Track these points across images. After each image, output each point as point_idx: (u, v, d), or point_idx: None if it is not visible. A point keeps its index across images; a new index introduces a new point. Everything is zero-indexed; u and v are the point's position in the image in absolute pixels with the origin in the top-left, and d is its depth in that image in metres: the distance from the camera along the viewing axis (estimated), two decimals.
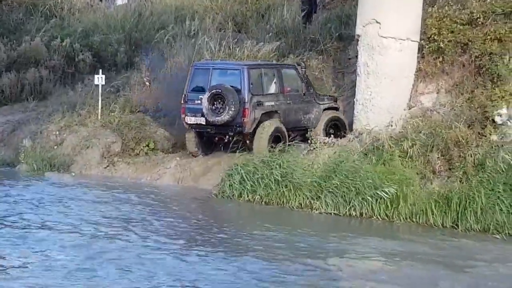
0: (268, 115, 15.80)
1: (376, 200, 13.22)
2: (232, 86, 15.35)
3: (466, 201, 12.55)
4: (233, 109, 15.13)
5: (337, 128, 16.63)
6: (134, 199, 14.32)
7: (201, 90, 15.69)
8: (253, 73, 15.76)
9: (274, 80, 16.14)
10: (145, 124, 17.80)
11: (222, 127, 15.54)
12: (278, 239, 11.66)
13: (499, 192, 12.59)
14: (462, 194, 12.67)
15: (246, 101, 15.34)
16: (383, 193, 13.11)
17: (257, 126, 15.52)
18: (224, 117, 15.22)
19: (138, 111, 18.30)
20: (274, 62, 18.00)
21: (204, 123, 15.62)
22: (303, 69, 17.01)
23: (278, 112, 15.96)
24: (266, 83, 16.05)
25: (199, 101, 15.47)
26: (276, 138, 15.53)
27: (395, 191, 13.10)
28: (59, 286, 8.88)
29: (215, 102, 15.33)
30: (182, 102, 15.87)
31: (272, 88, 16.12)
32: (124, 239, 11.21)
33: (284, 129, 15.82)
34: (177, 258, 10.30)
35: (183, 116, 15.87)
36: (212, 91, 15.30)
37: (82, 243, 10.86)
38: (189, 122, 15.78)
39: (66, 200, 13.94)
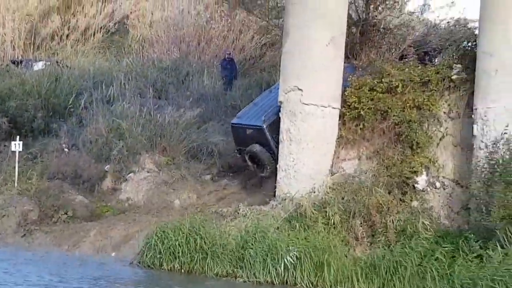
0: None
1: (299, 267, 13.12)
2: None
3: (394, 267, 12.61)
4: None
5: None
6: (48, 270, 13.84)
7: None
8: None
9: None
10: (64, 191, 17.36)
11: None
12: None
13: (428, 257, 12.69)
14: (389, 260, 12.72)
15: None
16: (290, 260, 13.02)
17: None
18: None
19: (56, 178, 17.87)
20: None
21: None
22: None
23: None
24: None
25: None
26: None
27: (318, 259, 13.06)
28: None
29: None
30: None
31: None
32: None
33: None
34: None
35: None
36: None
37: None
38: None
39: None
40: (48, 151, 19.30)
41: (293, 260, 13.02)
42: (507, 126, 13.44)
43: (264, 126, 16.21)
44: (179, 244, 13.98)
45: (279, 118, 15.80)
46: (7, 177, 17.72)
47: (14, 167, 17.69)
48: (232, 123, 17.47)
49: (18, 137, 18.36)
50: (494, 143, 13.42)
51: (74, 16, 31.92)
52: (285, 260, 13.03)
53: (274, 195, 15.50)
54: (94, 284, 12.90)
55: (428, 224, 13.67)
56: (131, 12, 32.44)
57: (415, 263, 12.68)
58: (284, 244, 13.20)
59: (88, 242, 15.71)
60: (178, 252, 13.95)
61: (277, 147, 15.82)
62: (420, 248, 12.90)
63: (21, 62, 26.89)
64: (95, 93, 21.73)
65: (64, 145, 19.33)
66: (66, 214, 16.78)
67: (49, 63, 26.07)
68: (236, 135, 17.24)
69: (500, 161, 13.14)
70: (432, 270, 12.59)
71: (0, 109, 21.38)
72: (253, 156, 16.55)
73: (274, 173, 15.88)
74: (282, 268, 13.11)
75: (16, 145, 17.85)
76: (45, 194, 17.01)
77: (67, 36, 31.36)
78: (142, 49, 29.33)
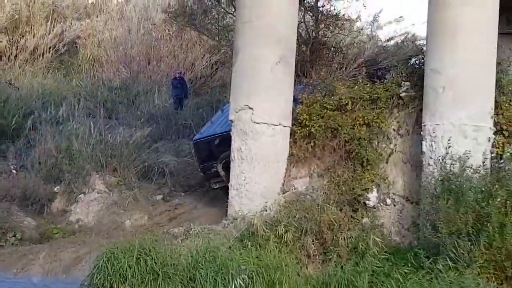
0: None
1: (251, 286, 13.01)
2: None
3: (345, 286, 12.61)
4: None
5: None
6: None
7: None
8: None
9: None
10: (12, 214, 17.06)
11: None
12: None
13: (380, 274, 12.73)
14: (341, 278, 12.72)
15: None
16: (240, 280, 12.93)
17: None
18: None
19: (4, 200, 17.57)
20: None
21: None
22: None
23: None
24: None
25: None
26: None
27: (270, 278, 12.98)
28: None
29: None
30: None
31: None
32: None
33: None
34: None
35: None
36: None
37: None
38: None
39: None
40: None
41: (245, 280, 12.92)
42: (449, 140, 13.58)
43: None
44: (129, 266, 13.74)
45: None
46: None
47: None
48: (195, 140, 17.46)
49: None
50: (442, 159, 13.55)
51: (22, 36, 31.60)
52: (236, 280, 12.92)
53: (226, 214, 15.44)
54: None
55: (379, 241, 13.69)
56: (81, 31, 32.25)
57: (366, 281, 12.68)
58: (235, 264, 13.09)
59: (38, 265, 15.42)
60: (128, 274, 13.76)
61: None
62: (372, 266, 12.93)
63: None
64: (44, 114, 21.52)
65: (12, 167, 19.08)
66: (15, 236, 16.48)
67: None
68: (200, 151, 17.21)
69: (446, 177, 13.27)
70: (386, 285, 12.61)
71: None
72: (227, 163, 16.28)
73: None
74: None
75: None
76: None
77: (16, 56, 31.03)
78: (92, 69, 29.18)
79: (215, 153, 16.74)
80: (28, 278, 15.03)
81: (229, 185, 15.55)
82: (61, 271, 15.23)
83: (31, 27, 31.92)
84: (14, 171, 18.93)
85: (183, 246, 14.24)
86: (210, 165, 16.94)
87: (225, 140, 16.48)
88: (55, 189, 18.38)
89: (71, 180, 18.30)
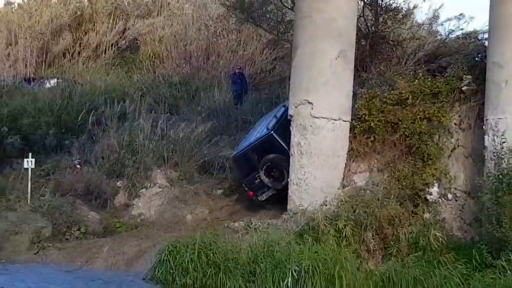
0: None
1: (310, 280, 13.05)
2: None
3: (408, 282, 12.56)
4: None
5: None
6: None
7: None
8: None
9: None
10: (77, 208, 17.40)
11: None
12: None
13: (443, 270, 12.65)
14: (404, 274, 12.66)
15: None
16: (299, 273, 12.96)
17: None
18: None
19: (69, 195, 17.93)
20: None
21: None
22: None
23: None
24: None
25: None
26: None
27: (329, 272, 12.99)
28: None
29: None
30: None
31: None
32: None
33: None
34: None
35: None
36: None
37: None
38: None
39: None
40: (60, 167, 19.39)
41: (303, 274, 12.97)
42: None
43: (272, 132, 16.24)
44: (191, 259, 13.96)
45: (283, 124, 16.08)
46: (20, 194, 17.79)
47: (27, 185, 17.76)
48: (234, 156, 17.45)
49: (30, 154, 18.42)
50: (505, 154, 13.37)
51: (85, 33, 32.14)
52: (295, 273, 12.98)
53: (286, 209, 15.50)
54: None
55: (440, 236, 13.61)
56: (142, 28, 32.63)
57: (435, 280, 12.59)
58: (294, 258, 13.16)
59: (101, 258, 15.73)
60: (190, 267, 13.94)
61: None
62: (434, 262, 12.85)
63: (33, 80, 27.06)
64: (107, 109, 21.85)
65: (76, 162, 19.42)
66: (79, 230, 16.82)
67: (61, 80, 26.21)
68: (241, 165, 17.17)
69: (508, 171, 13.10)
70: (450, 284, 12.51)
71: (12, 127, 21.48)
72: (269, 168, 16.45)
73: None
74: (292, 282, 13.06)
75: (29, 162, 17.91)
76: (58, 211, 17.05)
77: (79, 53, 31.58)
78: (153, 65, 29.49)
79: (255, 164, 16.68)
80: (92, 270, 15.34)
81: (288, 180, 15.60)
82: (124, 264, 15.50)
83: (94, 24, 32.43)
84: (78, 166, 19.27)
85: (243, 241, 14.36)
86: (252, 177, 16.87)
87: (262, 146, 16.61)
88: (118, 183, 18.67)
89: (133, 174, 18.57)
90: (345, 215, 14.11)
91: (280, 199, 16.37)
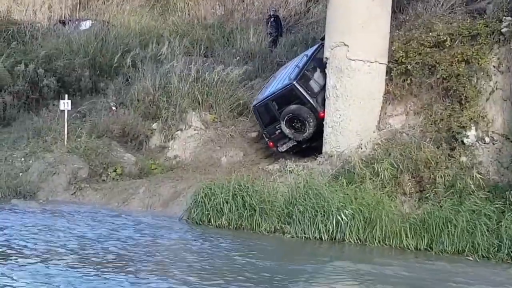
0: None
1: (349, 224, 13.12)
2: None
3: (443, 224, 12.56)
4: None
5: None
6: (103, 225, 14.03)
7: None
8: None
9: None
10: (112, 149, 17.57)
11: None
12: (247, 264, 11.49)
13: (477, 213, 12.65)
14: (439, 217, 12.66)
15: None
16: (343, 217, 13.02)
17: None
18: None
19: (105, 136, 18.06)
20: None
21: None
22: None
23: None
24: None
25: None
26: None
27: (368, 215, 13.06)
28: None
29: None
30: None
31: None
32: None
33: None
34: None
35: None
36: None
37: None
38: None
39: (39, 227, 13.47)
40: (96, 109, 19.50)
41: (346, 218, 13.02)
42: None
43: (294, 82, 16.08)
44: (226, 201, 14.07)
45: (304, 73, 15.97)
46: (57, 136, 17.95)
47: (64, 126, 17.91)
48: (254, 105, 17.17)
49: (66, 96, 18.55)
50: None
51: None
52: (338, 217, 13.04)
53: (321, 152, 15.47)
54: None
55: (478, 179, 13.53)
56: None
57: (464, 219, 12.60)
58: (335, 202, 13.19)
59: (137, 199, 15.92)
60: (225, 209, 14.05)
61: (313, 97, 15.80)
62: (470, 205, 12.82)
63: (68, 22, 27.03)
64: (142, 52, 21.82)
65: (112, 104, 19.50)
66: (115, 171, 17.01)
67: (95, 22, 26.16)
68: (261, 115, 16.88)
69: None
70: (482, 225, 12.51)
71: (48, 68, 21.59)
72: (291, 119, 16.13)
73: (315, 129, 15.81)
74: (334, 225, 13.13)
75: (65, 104, 18.02)
76: (94, 152, 17.26)
77: None
78: (187, 6, 29.25)
79: (276, 114, 16.47)
80: (130, 210, 15.52)
81: (324, 123, 15.52)
82: (160, 205, 15.68)
83: None
84: (114, 108, 19.34)
85: (280, 183, 14.41)
86: (273, 128, 16.72)
87: (283, 97, 16.32)
88: (153, 125, 18.73)
89: (168, 117, 18.60)
90: (382, 158, 14.08)
91: (300, 150, 16.33)
